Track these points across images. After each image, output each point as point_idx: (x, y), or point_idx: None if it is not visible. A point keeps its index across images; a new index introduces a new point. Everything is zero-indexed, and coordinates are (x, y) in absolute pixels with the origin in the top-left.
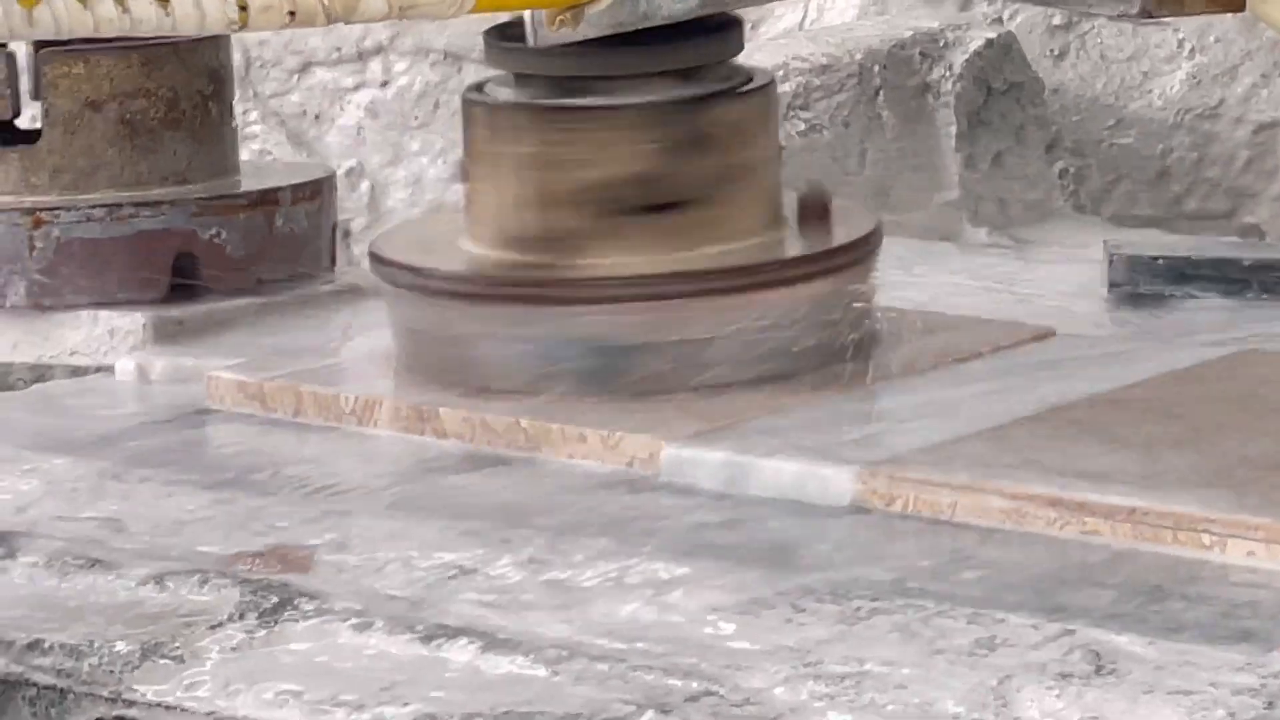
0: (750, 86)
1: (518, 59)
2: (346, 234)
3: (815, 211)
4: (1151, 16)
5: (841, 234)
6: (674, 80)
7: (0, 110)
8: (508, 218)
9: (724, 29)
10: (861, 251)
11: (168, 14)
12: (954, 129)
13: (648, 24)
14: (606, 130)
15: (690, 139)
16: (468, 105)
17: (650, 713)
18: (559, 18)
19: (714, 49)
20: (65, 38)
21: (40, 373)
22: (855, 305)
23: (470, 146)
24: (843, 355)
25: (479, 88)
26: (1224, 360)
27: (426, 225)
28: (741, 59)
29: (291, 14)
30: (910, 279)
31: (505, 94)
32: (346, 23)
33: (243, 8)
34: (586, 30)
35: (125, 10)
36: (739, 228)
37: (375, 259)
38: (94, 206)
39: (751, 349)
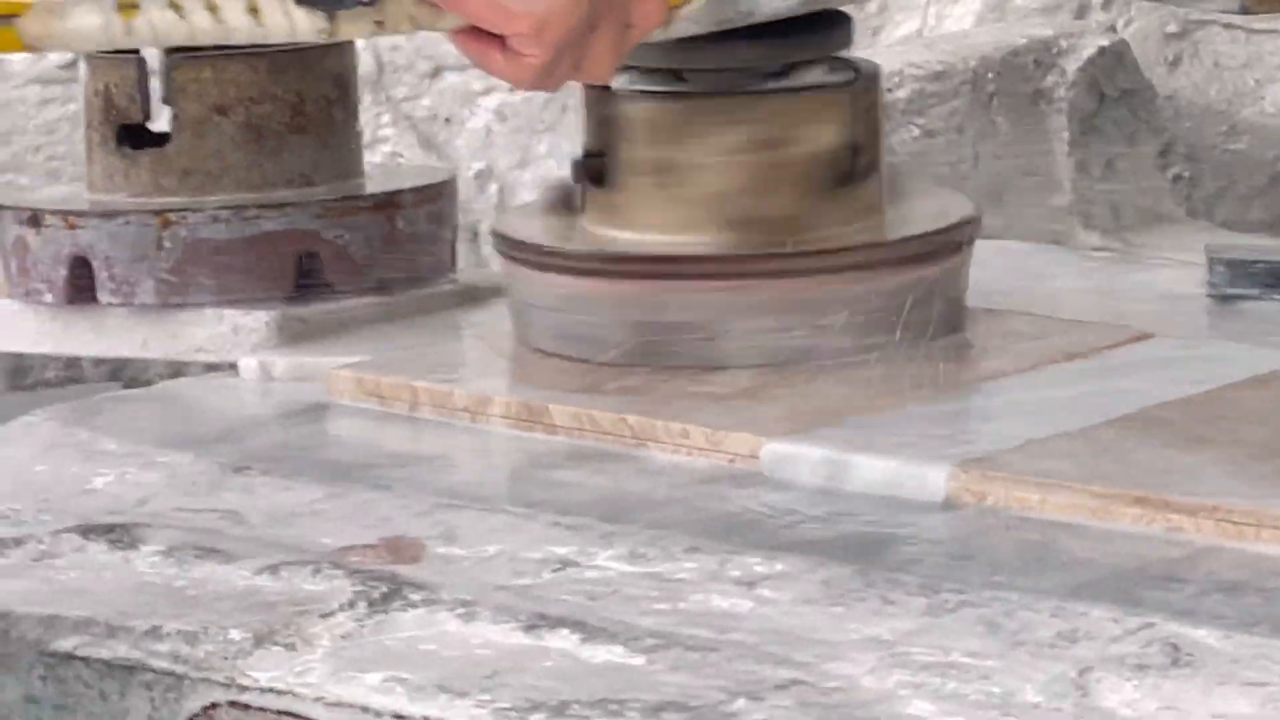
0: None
1: (658, 56)
2: (475, 235)
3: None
4: (1250, 13)
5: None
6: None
7: (132, 114)
8: (724, 202)
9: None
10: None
11: (259, 24)
12: (1067, 135)
13: (751, 21)
14: (680, 115)
15: (867, 115)
16: (627, 103)
17: (741, 700)
18: None
19: (822, 42)
20: (162, 46)
21: (176, 369)
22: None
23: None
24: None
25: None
26: None
27: (546, 219)
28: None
29: (379, 23)
30: (1017, 282)
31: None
32: (432, 30)
33: (331, 18)
34: (685, 29)
35: (219, 20)
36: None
37: (585, 257)
38: (220, 208)
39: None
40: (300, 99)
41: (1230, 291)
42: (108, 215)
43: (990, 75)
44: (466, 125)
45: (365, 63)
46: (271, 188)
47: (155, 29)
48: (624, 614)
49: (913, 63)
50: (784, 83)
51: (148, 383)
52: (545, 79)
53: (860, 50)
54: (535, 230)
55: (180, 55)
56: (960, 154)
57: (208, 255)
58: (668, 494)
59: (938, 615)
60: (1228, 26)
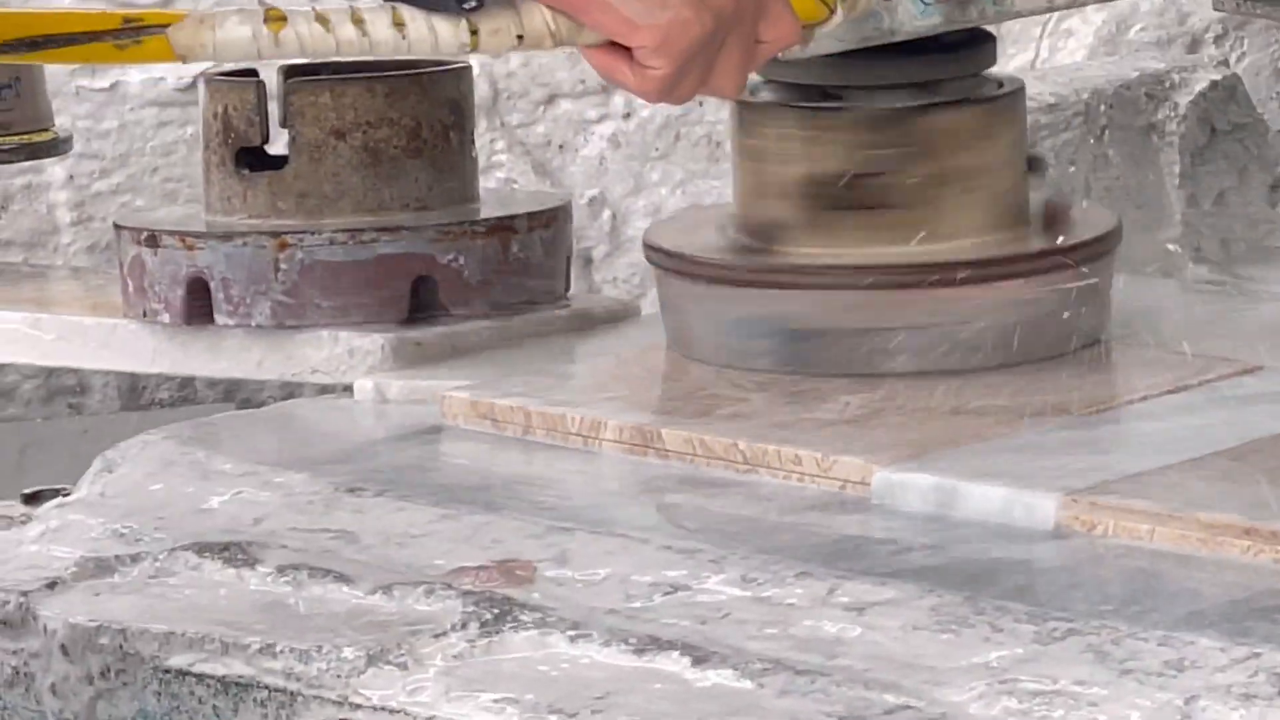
0: (969, 97)
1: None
2: (589, 261)
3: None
4: None
5: (1038, 242)
6: (910, 90)
7: (250, 137)
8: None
9: (970, 44)
10: (1046, 262)
11: (403, 37)
12: (1177, 168)
13: (893, 39)
14: (821, 130)
15: (900, 143)
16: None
17: None
18: None
19: (948, 64)
20: (308, 59)
21: (290, 390)
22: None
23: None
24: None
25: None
26: None
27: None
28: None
29: (520, 37)
30: (1128, 314)
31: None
32: (569, 46)
33: (473, 31)
34: (828, 46)
35: (365, 33)
36: (948, 229)
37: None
38: (337, 231)
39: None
40: (417, 124)
41: None
42: (225, 237)
43: (1102, 108)
44: (580, 152)
45: (481, 89)
46: (387, 211)
47: (302, 41)
48: (734, 638)
49: (1026, 94)
50: (935, 97)
51: (262, 404)
52: (671, 92)
53: None
54: (688, 240)
55: (299, 79)
56: (1072, 186)
57: (323, 277)
58: (778, 519)
59: (1045, 643)
60: None
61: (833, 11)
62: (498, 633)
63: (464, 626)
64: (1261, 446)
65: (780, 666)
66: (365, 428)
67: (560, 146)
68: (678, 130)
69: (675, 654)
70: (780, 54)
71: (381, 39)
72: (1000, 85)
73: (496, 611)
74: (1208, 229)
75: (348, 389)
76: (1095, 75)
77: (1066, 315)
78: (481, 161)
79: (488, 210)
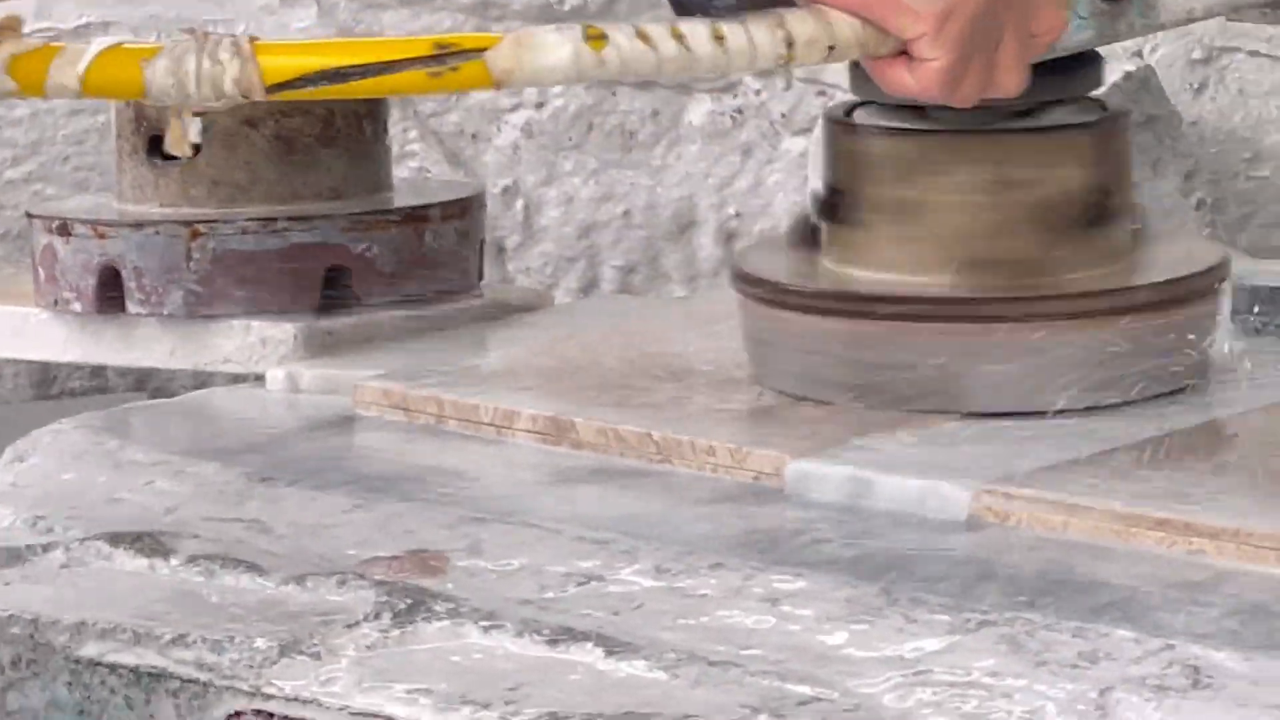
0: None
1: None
2: (502, 251)
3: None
4: None
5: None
6: (1074, 107)
7: (162, 126)
8: (956, 241)
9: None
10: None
11: (724, 51)
12: None
13: (1053, 55)
14: (1054, 151)
15: (1113, 157)
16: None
17: (763, 716)
18: None
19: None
20: (630, 78)
21: (203, 380)
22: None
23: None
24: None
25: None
26: None
27: (776, 253)
28: None
29: (831, 48)
30: None
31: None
32: (874, 56)
33: (789, 44)
34: None
35: (687, 49)
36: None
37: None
38: (249, 220)
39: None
40: (330, 113)
41: (1255, 318)
42: (137, 225)
43: None
44: (493, 142)
45: None
46: (300, 200)
47: (625, 60)
48: (647, 629)
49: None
50: (1027, 122)
51: (174, 393)
52: (953, 86)
53: None
54: (774, 267)
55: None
56: None
57: (236, 267)
58: (692, 510)
59: (960, 634)
60: (1253, 54)
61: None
62: (411, 623)
63: (377, 617)
64: (1175, 438)
65: (694, 657)
66: (278, 417)
67: (473, 136)
68: (590, 120)
69: (588, 645)
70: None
71: (703, 54)
72: (1104, 107)
73: (409, 602)
74: None
75: (260, 378)
76: None
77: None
78: (395, 151)
79: (401, 199)
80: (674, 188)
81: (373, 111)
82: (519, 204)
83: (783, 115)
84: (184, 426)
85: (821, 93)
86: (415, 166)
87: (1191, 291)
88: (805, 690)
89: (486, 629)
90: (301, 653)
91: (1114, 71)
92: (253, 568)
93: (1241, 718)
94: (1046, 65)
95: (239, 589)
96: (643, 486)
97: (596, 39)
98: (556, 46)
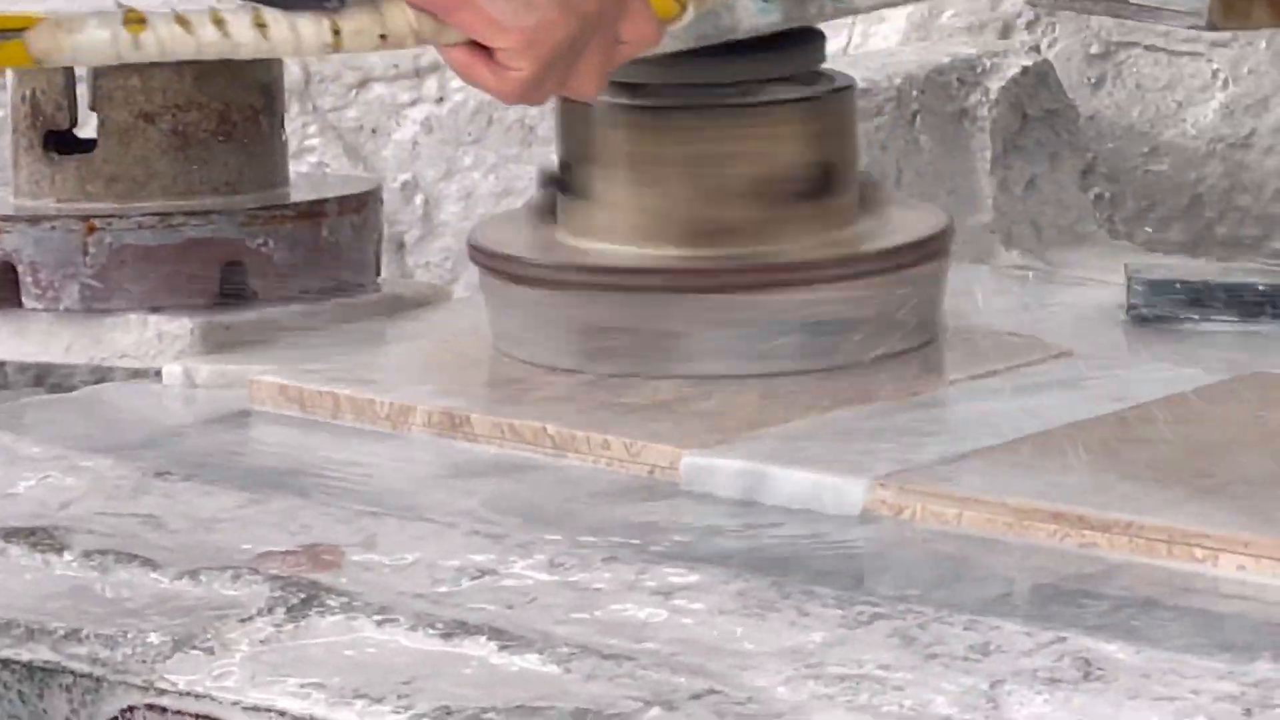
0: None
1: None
2: (401, 246)
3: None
4: (1217, 29)
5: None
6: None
7: (59, 120)
8: (680, 212)
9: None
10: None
11: (265, 38)
12: (989, 154)
13: (731, 37)
14: (772, 125)
15: (835, 130)
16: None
17: (656, 709)
18: None
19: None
20: (169, 60)
21: (101, 375)
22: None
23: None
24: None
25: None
26: (1230, 383)
27: (513, 226)
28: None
29: (383, 36)
30: None
31: (631, 99)
32: (435, 45)
33: (336, 31)
34: (666, 45)
35: (226, 34)
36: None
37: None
38: (146, 214)
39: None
40: (227, 107)
41: (1149, 311)
42: (33, 220)
43: (914, 93)
44: (393, 137)
45: (292, 73)
46: (197, 195)
47: (163, 44)
48: (541, 623)
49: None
50: (748, 98)
51: (71, 388)
52: (532, 93)
53: None
54: (507, 240)
55: None
56: (883, 171)
57: (133, 261)
58: (587, 504)
59: (852, 628)
60: (1150, 48)
61: (684, 9)
62: (304, 617)
63: (270, 611)
64: (1069, 431)
65: (587, 651)
66: (173, 412)
67: (373, 131)
68: (490, 115)
69: (482, 638)
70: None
71: (243, 40)
72: (831, 80)
73: (303, 596)
74: (1019, 215)
75: (157, 374)
76: (907, 61)
77: (884, 317)
78: (293, 146)
79: (298, 194)
80: None
81: (269, 106)
82: (418, 199)
83: None
84: (79, 421)
85: None
86: (314, 161)
87: (914, 257)
88: (698, 683)
89: (380, 623)
90: (195, 647)
91: (1011, 66)
92: (147, 563)
93: (1132, 710)
94: (761, 42)
95: (133, 584)
96: (538, 480)
97: (135, 23)
98: (94, 30)
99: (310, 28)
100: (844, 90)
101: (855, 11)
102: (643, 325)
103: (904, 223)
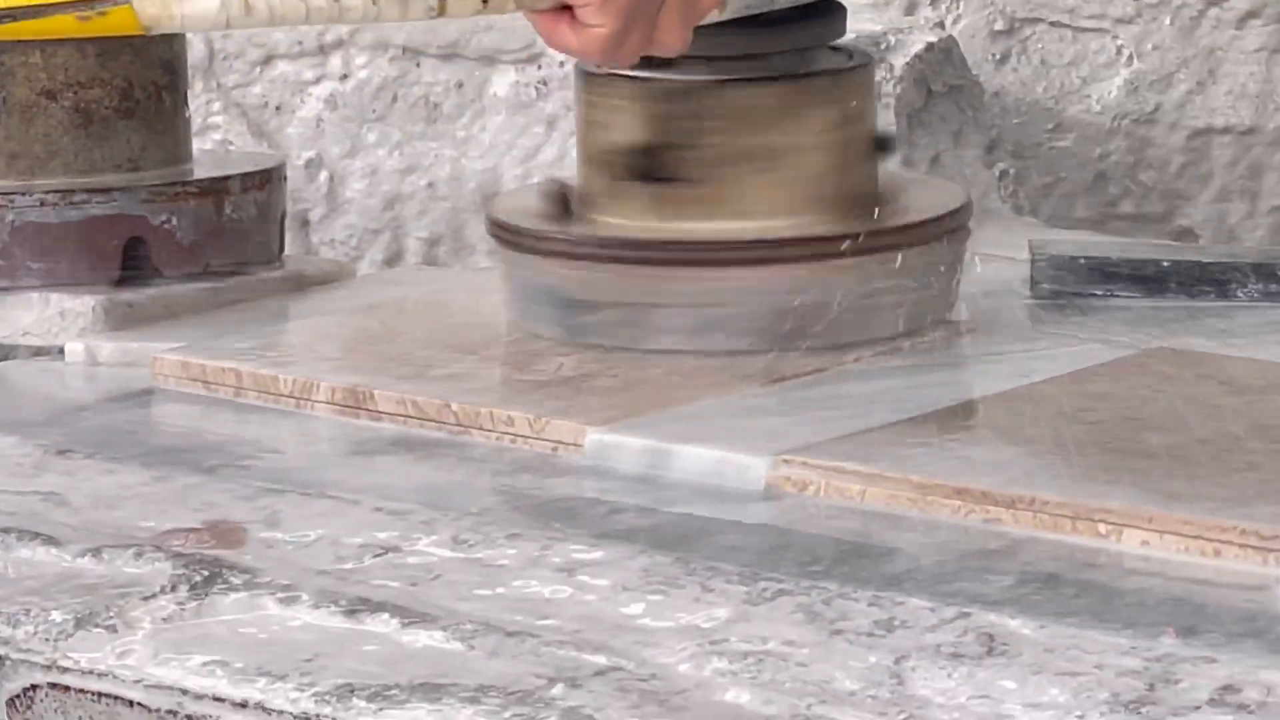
0: (773, 74)
1: None
2: (305, 223)
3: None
4: None
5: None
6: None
7: None
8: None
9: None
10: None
11: (373, 2)
12: (894, 129)
13: (774, 7)
14: (623, 100)
15: (695, 118)
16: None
17: (559, 686)
18: None
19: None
20: (278, 26)
21: (4, 353)
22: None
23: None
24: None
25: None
26: (1134, 358)
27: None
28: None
29: (485, 1)
30: None
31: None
32: (531, 11)
33: None
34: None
35: (336, 0)
36: (740, 208)
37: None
38: (48, 192)
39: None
40: (129, 84)
41: (1052, 287)
42: None
43: None
44: (297, 114)
45: (196, 50)
46: (99, 173)
47: (273, 10)
48: (445, 599)
49: (868, 72)
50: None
51: None
52: (616, 50)
53: None
54: (515, 211)
55: (8, 39)
56: None
57: (35, 239)
58: (490, 481)
59: (755, 604)
60: (1055, 25)
61: None
62: (207, 595)
63: (173, 589)
64: (973, 407)
65: (490, 628)
66: (76, 390)
67: (277, 108)
68: (395, 92)
69: (385, 615)
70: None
71: (352, 4)
72: (851, 58)
73: (206, 574)
74: None
75: (60, 351)
76: None
77: (844, 302)
78: (197, 123)
79: (201, 171)
80: (478, 159)
81: (172, 83)
82: (323, 176)
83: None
84: None
85: None
86: (218, 139)
87: (890, 241)
88: (601, 660)
89: (283, 601)
90: (98, 625)
91: (916, 42)
92: (49, 540)
93: (1035, 685)
94: (778, 19)
95: (35, 561)
96: (441, 457)
97: None
98: None
99: None
100: (834, 71)
101: None
102: (605, 298)
103: (916, 203)
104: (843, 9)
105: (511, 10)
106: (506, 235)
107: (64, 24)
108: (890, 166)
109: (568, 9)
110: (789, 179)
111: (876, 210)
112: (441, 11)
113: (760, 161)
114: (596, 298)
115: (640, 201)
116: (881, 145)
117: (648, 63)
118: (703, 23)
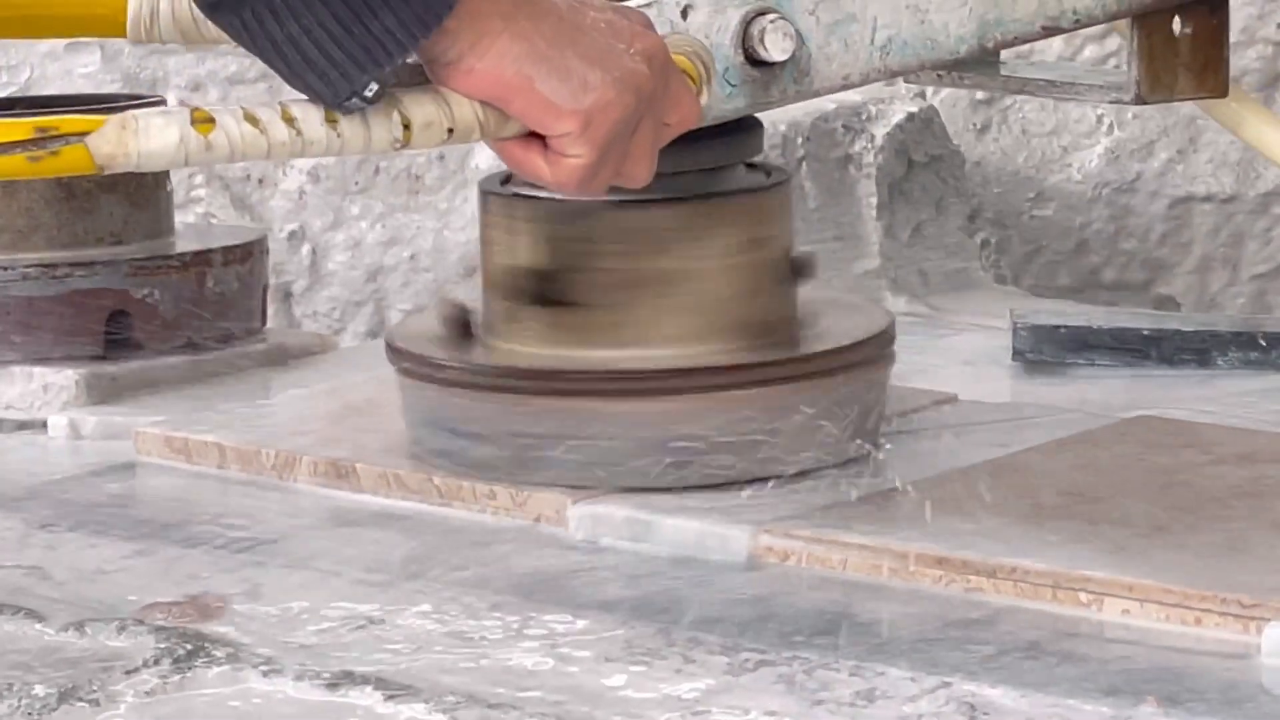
0: (673, 195)
1: None
2: (288, 295)
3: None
4: (1145, 102)
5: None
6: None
7: None
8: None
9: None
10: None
11: (338, 135)
12: (875, 200)
13: (702, 124)
14: (520, 220)
15: (588, 240)
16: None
17: None
18: None
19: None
20: (238, 162)
21: None
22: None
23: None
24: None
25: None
26: (1115, 427)
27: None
28: None
29: (450, 130)
30: None
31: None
32: (496, 140)
33: (406, 126)
34: None
35: (299, 133)
36: (635, 336)
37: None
38: (30, 265)
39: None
40: None
41: (1034, 356)
42: None
43: (799, 140)
44: (279, 187)
45: None
46: (82, 246)
47: (233, 144)
48: (427, 672)
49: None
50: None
51: None
52: (591, 180)
53: None
54: (417, 335)
55: None
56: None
57: (17, 313)
58: (472, 553)
59: (738, 674)
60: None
61: (699, 93)
62: (190, 669)
63: (156, 663)
64: (954, 477)
65: (473, 700)
66: (59, 463)
67: (260, 181)
68: (378, 164)
69: (368, 688)
70: None
71: (315, 138)
72: (768, 175)
73: (189, 647)
74: (905, 261)
75: (43, 425)
76: (792, 107)
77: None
78: (180, 197)
79: (183, 244)
80: (460, 231)
81: None
82: (305, 248)
83: None
84: None
85: None
86: (201, 212)
87: (792, 372)
88: None
89: (266, 673)
90: (80, 699)
91: (897, 112)
92: (32, 614)
93: None
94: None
95: (17, 635)
96: (424, 530)
97: (204, 122)
98: (161, 130)
99: (381, 124)
100: (741, 191)
101: (815, 94)
102: (489, 428)
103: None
104: (759, 124)
105: (475, 139)
106: (401, 361)
107: (15, 165)
108: (825, 287)
109: (539, 137)
110: (689, 305)
111: (788, 338)
112: (406, 143)
113: (658, 287)
114: (482, 428)
115: (537, 327)
116: (799, 269)
117: None
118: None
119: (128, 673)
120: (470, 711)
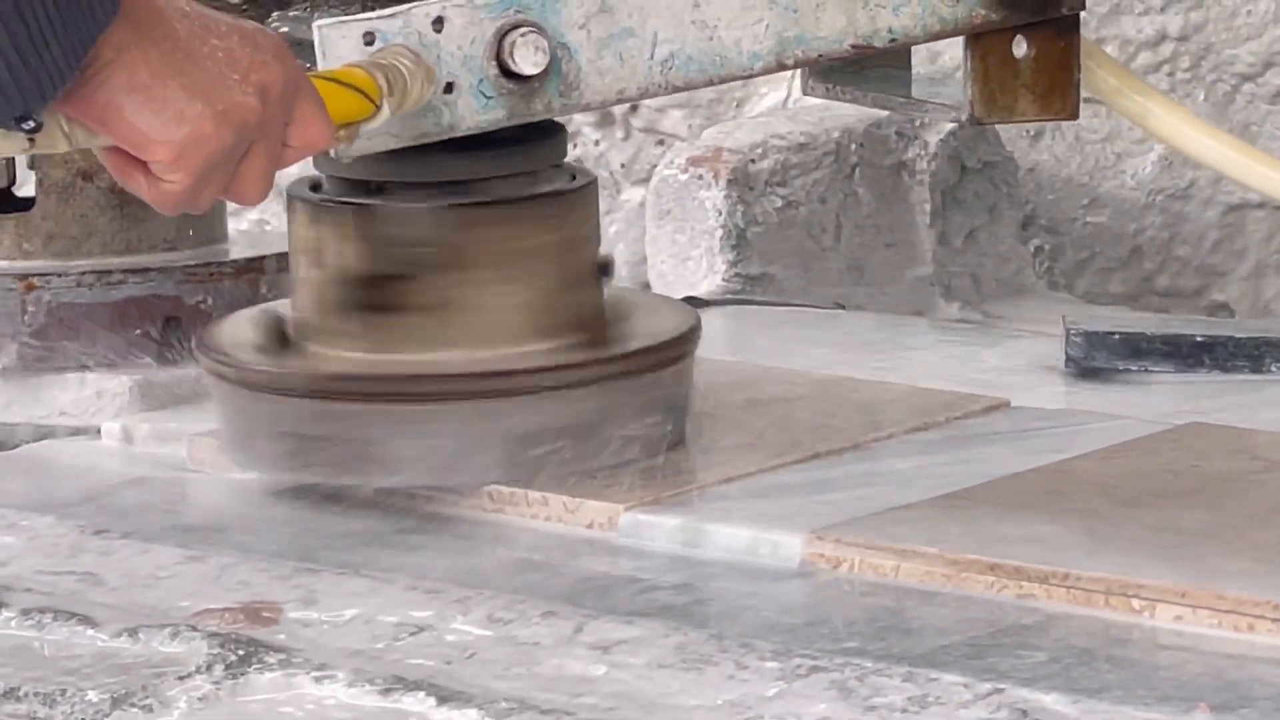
0: (487, 199)
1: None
2: None
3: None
4: (981, 123)
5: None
6: (443, 188)
7: None
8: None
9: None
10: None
11: None
12: (928, 206)
13: (454, 134)
14: (333, 227)
15: (405, 245)
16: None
17: None
18: (338, 133)
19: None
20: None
21: (44, 433)
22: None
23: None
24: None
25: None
26: (1168, 433)
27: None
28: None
29: (31, 140)
30: (879, 353)
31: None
32: (86, 147)
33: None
34: (382, 143)
35: None
36: (455, 339)
37: None
38: (84, 273)
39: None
40: None
41: (1087, 363)
42: None
43: (853, 147)
44: None
45: None
46: (135, 253)
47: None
48: (480, 678)
49: (776, 134)
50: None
51: (12, 446)
52: (190, 202)
53: (724, 123)
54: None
55: None
56: (823, 225)
57: (71, 319)
58: (525, 560)
59: (790, 681)
60: (1089, 100)
61: (378, 108)
62: (243, 674)
63: (209, 668)
64: (1007, 483)
65: (525, 706)
66: (112, 470)
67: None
68: None
69: (421, 694)
70: (334, 154)
71: None
72: (574, 178)
73: (242, 653)
74: (958, 267)
75: (97, 431)
76: (846, 114)
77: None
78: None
79: (237, 251)
80: None
81: None
82: None
83: (622, 165)
84: (18, 479)
85: (660, 142)
86: (254, 219)
87: (599, 372)
88: None
89: (319, 679)
90: (134, 705)
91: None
92: (85, 620)
93: None
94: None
95: (71, 642)
96: (476, 537)
97: None
98: None
99: None
100: (554, 194)
101: (585, 108)
102: (331, 432)
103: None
104: (562, 128)
105: (64, 150)
106: (223, 368)
107: None
108: (638, 288)
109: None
110: (508, 306)
111: (592, 337)
112: (27, 151)
113: (472, 289)
114: (317, 433)
115: (354, 332)
116: (604, 269)
117: (364, 187)
118: (341, 154)
119: (181, 678)
120: (522, 717)
